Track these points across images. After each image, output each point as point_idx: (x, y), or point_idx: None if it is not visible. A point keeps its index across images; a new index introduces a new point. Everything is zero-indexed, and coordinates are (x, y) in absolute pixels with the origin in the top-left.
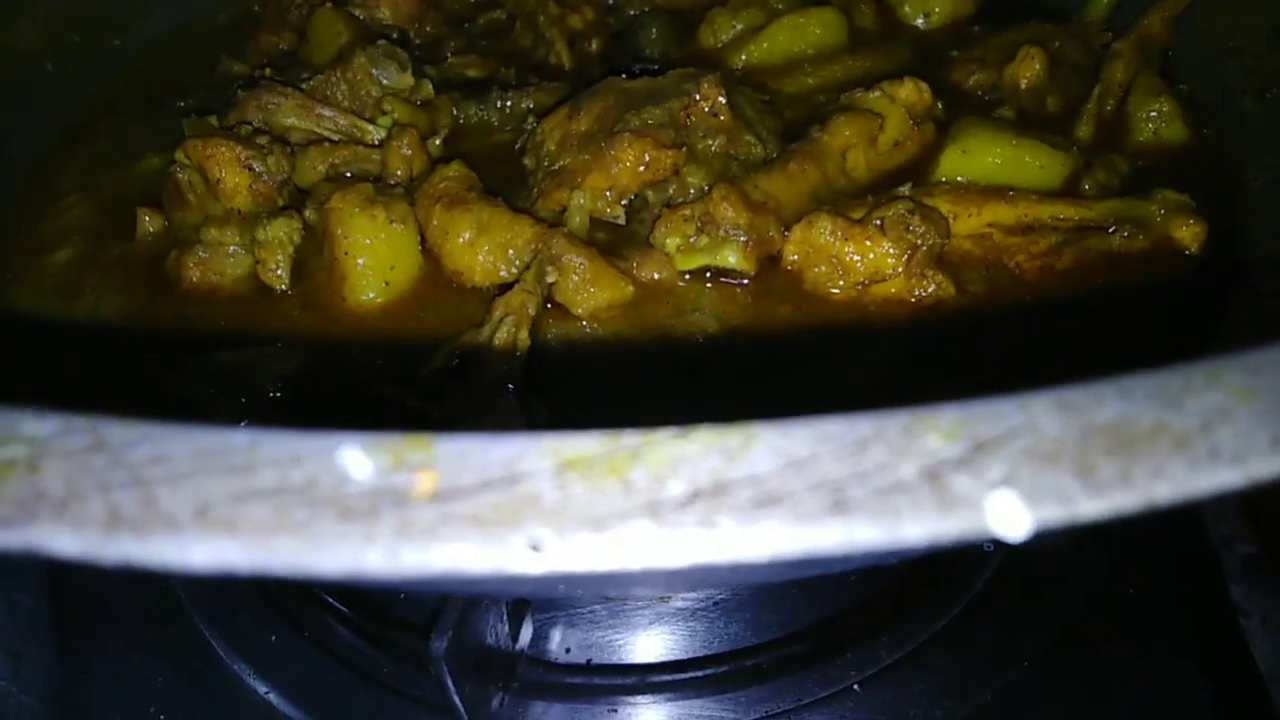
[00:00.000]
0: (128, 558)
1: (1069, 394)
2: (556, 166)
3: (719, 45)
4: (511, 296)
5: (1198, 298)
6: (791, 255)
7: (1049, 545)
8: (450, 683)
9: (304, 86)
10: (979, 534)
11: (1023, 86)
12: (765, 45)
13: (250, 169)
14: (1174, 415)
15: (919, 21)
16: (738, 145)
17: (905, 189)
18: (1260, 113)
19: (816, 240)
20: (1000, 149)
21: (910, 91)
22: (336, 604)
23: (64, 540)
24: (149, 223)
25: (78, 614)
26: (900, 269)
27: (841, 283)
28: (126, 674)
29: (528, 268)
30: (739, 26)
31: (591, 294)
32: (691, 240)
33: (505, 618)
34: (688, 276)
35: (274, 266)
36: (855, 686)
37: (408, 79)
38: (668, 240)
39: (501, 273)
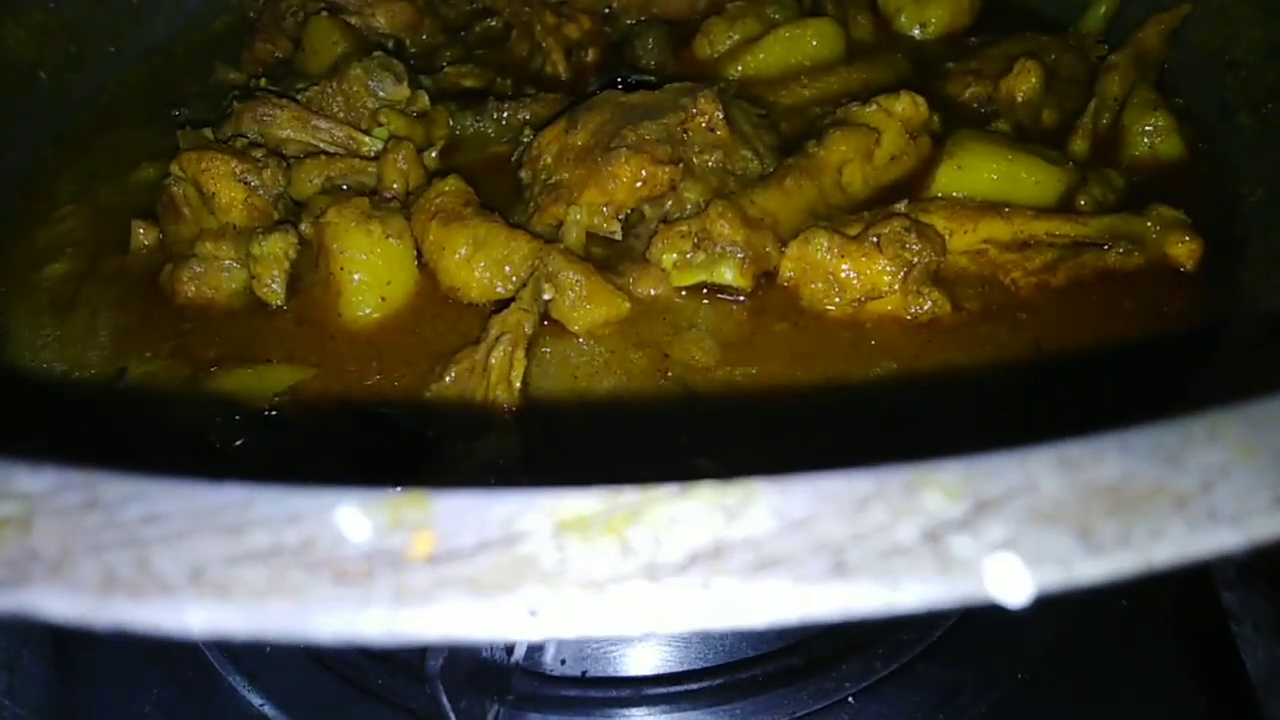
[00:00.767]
0: (122, 622)
1: (1070, 450)
2: (553, 181)
3: (715, 56)
4: (508, 315)
5: (1195, 315)
6: (788, 272)
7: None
8: (445, 700)
9: (300, 97)
10: (979, 599)
11: (1019, 99)
12: (762, 56)
13: (245, 183)
14: (1174, 473)
15: (915, 32)
16: (734, 161)
17: (901, 205)
18: (1256, 128)
19: (813, 257)
20: (996, 164)
21: (906, 105)
22: None
23: (58, 603)
24: (144, 236)
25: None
26: (896, 286)
27: (837, 299)
28: (122, 686)
29: (524, 285)
30: (735, 37)
31: (588, 310)
32: (688, 256)
33: None
34: (684, 293)
35: (269, 281)
36: (850, 699)
37: (404, 90)
38: (664, 256)
39: (498, 288)
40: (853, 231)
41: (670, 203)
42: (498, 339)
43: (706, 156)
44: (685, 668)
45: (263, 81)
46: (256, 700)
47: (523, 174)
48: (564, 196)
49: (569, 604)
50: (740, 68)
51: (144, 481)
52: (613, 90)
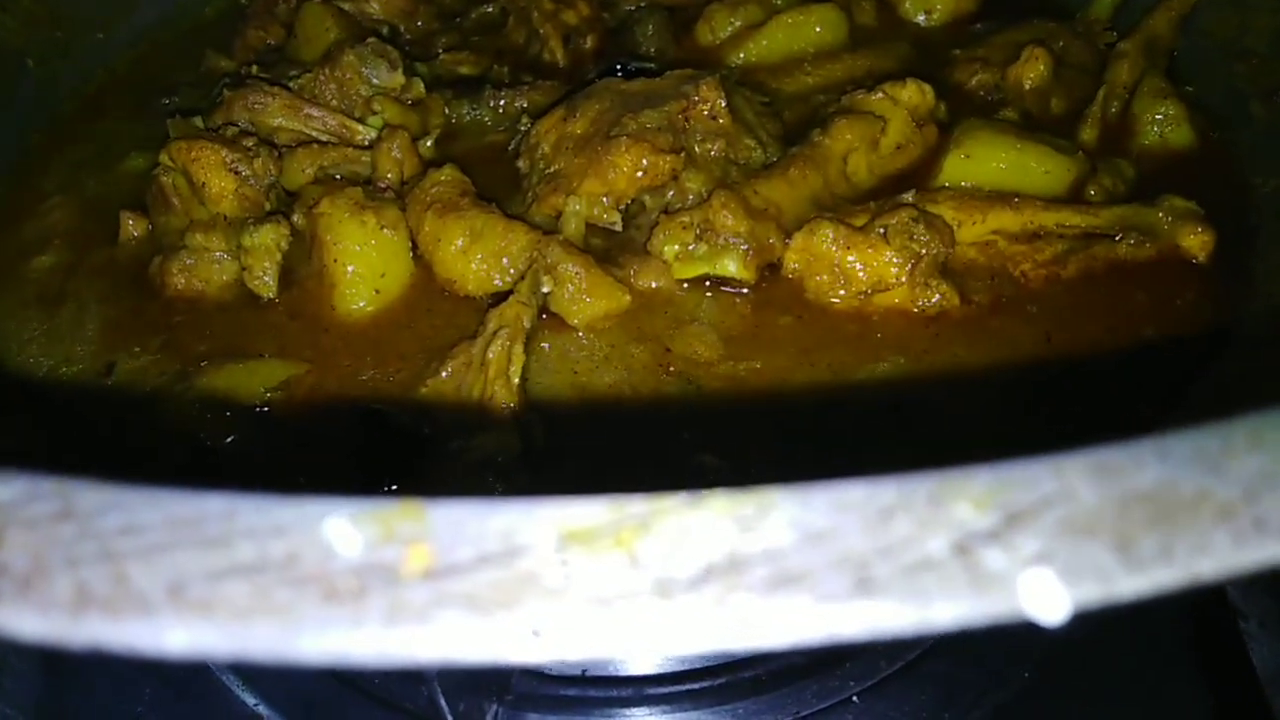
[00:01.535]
0: (97, 642)
1: (1106, 456)
2: (551, 170)
3: (717, 42)
4: (506, 308)
5: (1207, 307)
6: (792, 264)
7: None
8: (443, 701)
9: (292, 85)
10: (1014, 617)
11: (1026, 87)
12: (764, 43)
13: (236, 173)
14: (1216, 482)
15: (920, 19)
16: (737, 149)
17: (909, 195)
18: (1267, 117)
19: (818, 248)
20: (1005, 153)
21: (913, 93)
22: None
23: (28, 622)
24: (132, 227)
25: None
26: (904, 278)
27: (843, 292)
28: (112, 685)
29: (522, 277)
30: (737, 23)
31: (588, 304)
32: (690, 248)
33: None
34: (686, 285)
35: (261, 274)
36: (854, 698)
37: (398, 78)
38: (666, 248)
39: (495, 281)
40: (859, 222)
41: (672, 193)
42: (495, 333)
43: (709, 145)
44: (687, 667)
45: (254, 69)
46: (250, 700)
47: (520, 163)
48: (563, 186)
49: (574, 622)
50: (742, 55)
51: (121, 491)
52: (612, 78)
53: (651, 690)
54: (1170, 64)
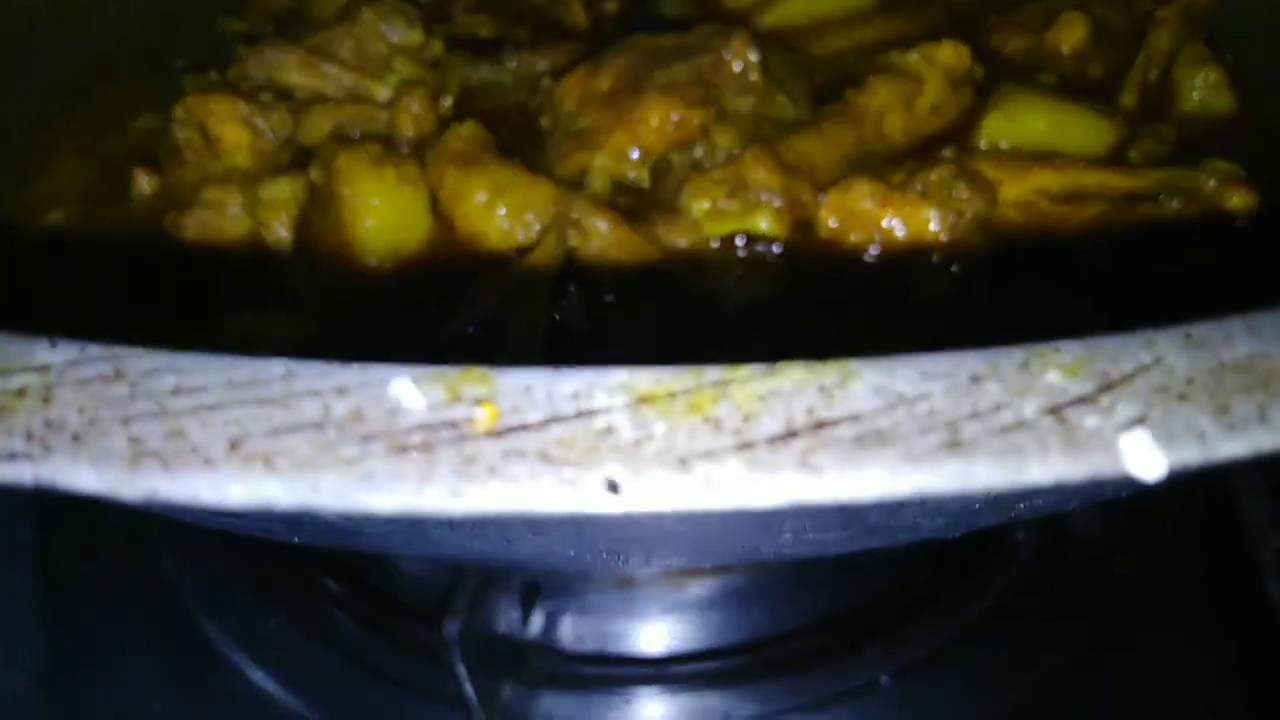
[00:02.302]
0: (155, 494)
1: (1196, 330)
2: (576, 127)
3: (744, 6)
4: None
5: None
6: (828, 221)
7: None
8: (463, 669)
9: (308, 43)
10: (1113, 475)
11: (1065, 52)
12: (792, 6)
13: (252, 125)
14: None
15: None
16: (769, 106)
17: (948, 152)
18: None
19: (854, 205)
20: (1046, 114)
21: (949, 54)
22: (338, 591)
23: (82, 475)
24: (145, 183)
25: (67, 598)
26: (944, 237)
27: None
28: (119, 660)
29: (547, 231)
30: None
31: (614, 260)
32: (721, 204)
33: (517, 604)
34: (716, 243)
35: (277, 228)
36: (883, 681)
37: (417, 35)
38: (695, 204)
39: (519, 236)
40: (895, 180)
41: (700, 149)
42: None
43: (740, 101)
44: (707, 646)
45: (269, 30)
46: (259, 676)
47: (544, 121)
48: (589, 142)
49: (652, 476)
50: (770, 18)
51: (175, 355)
52: (640, 33)
53: (670, 670)
54: (1209, 31)
